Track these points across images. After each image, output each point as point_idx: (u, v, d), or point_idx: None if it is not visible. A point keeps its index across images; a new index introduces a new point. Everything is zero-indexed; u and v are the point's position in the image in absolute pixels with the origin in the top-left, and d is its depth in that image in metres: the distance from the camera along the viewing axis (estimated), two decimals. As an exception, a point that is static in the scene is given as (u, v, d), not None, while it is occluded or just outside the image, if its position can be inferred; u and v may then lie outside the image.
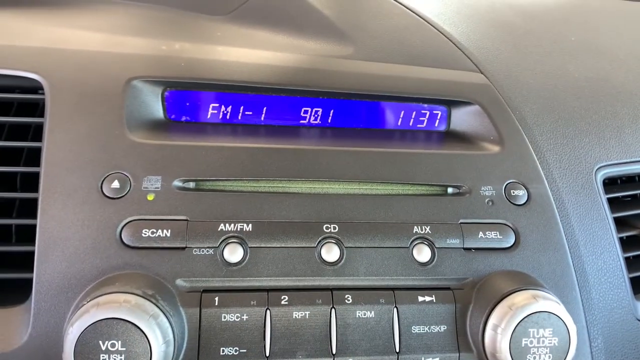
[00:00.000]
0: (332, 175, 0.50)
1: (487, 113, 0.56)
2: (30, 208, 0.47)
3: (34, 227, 0.45)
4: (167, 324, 0.40)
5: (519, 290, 0.45)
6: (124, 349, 0.38)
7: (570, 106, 0.61)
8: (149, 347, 0.38)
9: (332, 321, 0.44)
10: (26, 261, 0.46)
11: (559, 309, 0.44)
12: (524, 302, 0.44)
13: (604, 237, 0.55)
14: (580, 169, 0.57)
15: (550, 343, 0.44)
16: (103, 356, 0.38)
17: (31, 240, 0.45)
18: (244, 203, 0.47)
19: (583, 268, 0.52)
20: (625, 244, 0.58)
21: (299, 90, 0.55)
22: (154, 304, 0.40)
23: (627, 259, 0.57)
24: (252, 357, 0.43)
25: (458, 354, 0.46)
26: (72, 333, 0.38)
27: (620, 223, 0.59)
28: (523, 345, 0.43)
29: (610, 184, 0.61)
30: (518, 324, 0.43)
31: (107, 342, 0.38)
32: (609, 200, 0.58)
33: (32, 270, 0.44)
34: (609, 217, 0.56)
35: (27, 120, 0.50)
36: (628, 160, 0.60)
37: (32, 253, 0.45)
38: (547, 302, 0.44)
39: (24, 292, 0.45)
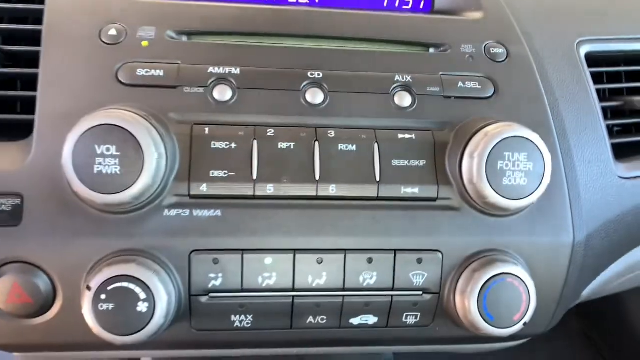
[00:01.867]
0: (319, 33, 0.52)
1: (468, -15, 0.58)
2: (34, 85, 0.50)
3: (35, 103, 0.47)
4: (160, 140, 0.43)
5: (494, 123, 0.47)
6: (119, 153, 0.41)
7: (553, -10, 0.63)
8: (141, 154, 0.41)
9: (316, 152, 0.46)
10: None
11: (534, 136, 0.45)
12: (499, 129, 0.45)
13: (586, 101, 0.56)
14: (561, 40, 0.58)
15: (526, 167, 0.45)
16: (99, 160, 0.41)
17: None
18: (233, 52, 0.50)
19: (562, 122, 0.53)
20: (610, 118, 0.60)
21: (288, -34, 0.57)
22: (147, 121, 0.43)
23: (610, 131, 0.58)
24: (240, 181, 0.45)
25: (437, 186, 0.47)
26: (70, 139, 0.41)
27: (604, 100, 0.61)
28: (499, 169, 0.45)
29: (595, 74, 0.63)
30: (494, 147, 0.45)
31: (102, 146, 0.41)
32: (592, 76, 0.59)
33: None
34: (591, 88, 0.58)
35: None
36: (609, 38, 0.61)
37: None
38: (522, 130, 0.45)
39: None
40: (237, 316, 0.46)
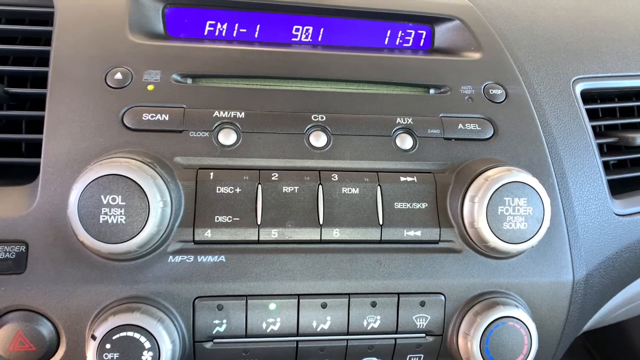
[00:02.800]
0: (321, 75, 0.53)
1: (467, 26, 0.59)
2: (40, 126, 0.50)
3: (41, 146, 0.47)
4: (165, 187, 0.43)
5: (495, 167, 0.48)
6: (124, 203, 0.41)
7: (549, 29, 0.64)
8: (147, 203, 0.41)
9: (320, 196, 0.47)
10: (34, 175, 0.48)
11: (533, 181, 0.46)
12: (499, 174, 0.46)
13: (582, 139, 0.57)
14: (557, 78, 0.60)
15: (525, 212, 0.46)
16: (104, 209, 0.41)
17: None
18: (238, 96, 0.50)
19: (560, 161, 0.54)
20: (605, 154, 0.61)
21: (290, 6, 0.58)
22: (153, 168, 0.43)
23: (606, 165, 0.59)
24: (245, 225, 0.46)
25: (439, 229, 0.48)
26: (76, 188, 0.41)
27: (600, 136, 0.62)
28: (499, 213, 0.46)
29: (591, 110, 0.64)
30: (494, 192, 0.45)
31: (108, 196, 0.41)
32: (588, 113, 0.61)
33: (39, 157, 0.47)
34: (587, 125, 0.59)
35: (38, 29, 0.54)
36: (604, 75, 0.63)
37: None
38: (522, 174, 0.46)
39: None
40: (241, 361, 0.47)
